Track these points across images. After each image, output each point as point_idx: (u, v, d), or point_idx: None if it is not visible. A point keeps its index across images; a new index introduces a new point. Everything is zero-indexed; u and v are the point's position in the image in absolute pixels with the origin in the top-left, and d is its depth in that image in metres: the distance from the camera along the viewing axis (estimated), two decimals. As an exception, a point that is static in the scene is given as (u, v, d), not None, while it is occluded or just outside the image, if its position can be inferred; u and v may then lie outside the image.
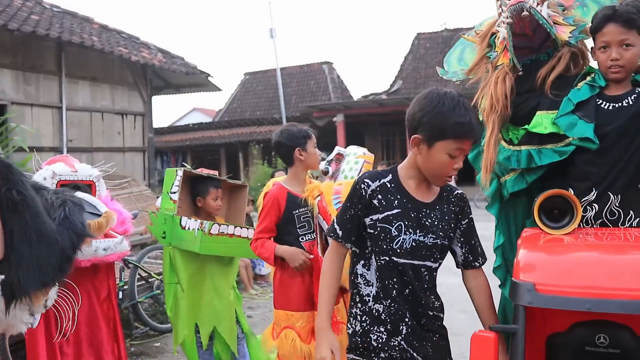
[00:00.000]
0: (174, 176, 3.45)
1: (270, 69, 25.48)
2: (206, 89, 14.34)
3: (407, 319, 1.87)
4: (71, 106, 10.85)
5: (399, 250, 1.84)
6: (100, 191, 3.36)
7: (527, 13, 2.15)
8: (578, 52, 2.27)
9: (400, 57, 29.10)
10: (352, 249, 1.94)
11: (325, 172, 3.11)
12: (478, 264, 1.97)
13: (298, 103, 23.85)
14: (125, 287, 4.96)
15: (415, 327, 1.88)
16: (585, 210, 2.23)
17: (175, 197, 3.44)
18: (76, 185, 3.20)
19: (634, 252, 1.62)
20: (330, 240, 1.98)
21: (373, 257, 1.88)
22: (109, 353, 3.26)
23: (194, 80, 13.73)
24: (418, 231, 1.85)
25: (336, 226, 1.91)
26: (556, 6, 2.28)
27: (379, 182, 1.89)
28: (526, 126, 2.23)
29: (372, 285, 1.90)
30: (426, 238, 1.85)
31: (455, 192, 1.99)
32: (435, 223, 1.88)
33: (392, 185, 1.90)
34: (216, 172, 3.72)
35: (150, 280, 5.36)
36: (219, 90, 14.36)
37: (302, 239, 2.91)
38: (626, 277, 1.53)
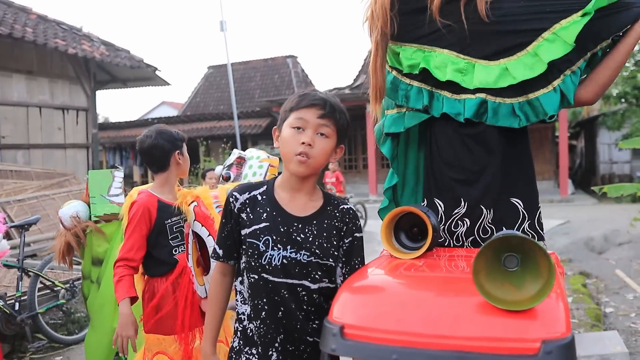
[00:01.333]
0: (110, 178, 3.29)
1: (235, 62, 25.07)
2: (154, 83, 13.87)
3: (277, 344, 1.67)
4: (4, 101, 10.32)
5: (267, 267, 1.66)
6: None
7: None
8: None
9: (364, 51, 28.94)
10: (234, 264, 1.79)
11: (227, 178, 2.84)
12: None
13: (262, 97, 23.50)
14: (24, 297, 4.59)
15: (287, 354, 1.67)
16: (456, 226, 2.00)
17: (121, 199, 3.23)
18: None
19: (466, 285, 1.34)
20: (213, 263, 1.81)
21: (245, 273, 1.72)
22: None
23: (141, 74, 13.25)
24: (289, 247, 1.66)
25: (216, 247, 1.78)
26: None
27: (249, 194, 1.73)
28: (423, 63, 1.92)
29: (247, 304, 1.73)
30: (298, 255, 1.66)
31: (341, 206, 1.77)
32: (310, 239, 1.67)
33: (264, 197, 1.73)
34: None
35: (55, 289, 5.00)
36: (168, 84, 13.90)
37: (176, 250, 2.63)
38: (444, 320, 1.26)
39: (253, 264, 1.68)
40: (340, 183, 10.88)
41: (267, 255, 1.66)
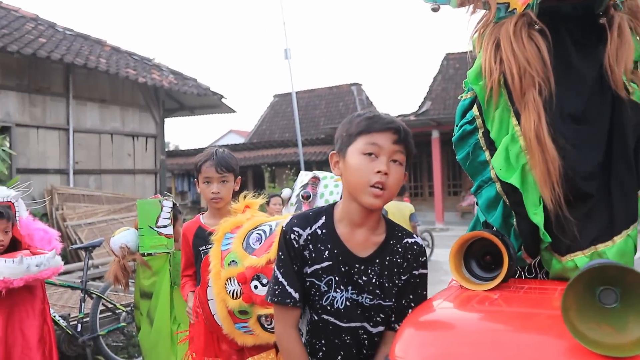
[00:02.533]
0: (159, 209, 3.19)
1: (299, 90, 25.42)
2: (220, 111, 14.16)
3: None
4: (79, 128, 10.75)
5: (329, 308, 1.53)
6: (20, 212, 3.18)
7: None
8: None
9: (429, 78, 28.66)
10: None
11: (307, 197, 2.83)
12: (397, 327, 1.55)
13: (326, 124, 23.59)
14: (86, 319, 4.62)
15: None
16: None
17: (169, 230, 3.19)
18: None
19: (552, 324, 1.13)
20: (276, 308, 1.58)
21: (307, 309, 1.59)
22: None
23: (208, 102, 13.55)
24: (350, 288, 1.53)
25: (290, 289, 1.53)
26: None
27: (310, 229, 1.57)
28: None
29: (302, 336, 1.60)
30: (360, 297, 1.53)
31: (405, 240, 1.60)
32: (373, 281, 1.54)
33: (324, 231, 1.57)
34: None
35: (117, 312, 5.02)
36: (233, 112, 14.14)
37: None
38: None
39: (314, 304, 1.55)
40: None
41: (329, 297, 1.53)
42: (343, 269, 1.53)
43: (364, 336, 1.55)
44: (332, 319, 1.53)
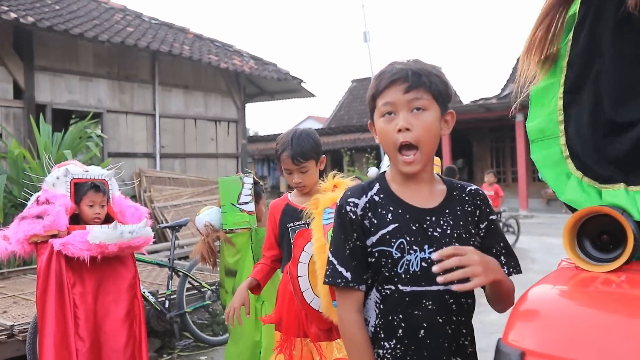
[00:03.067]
0: (240, 185, 3.19)
1: (377, 75, 25.14)
2: (299, 95, 14.22)
3: None
4: (164, 113, 11.11)
5: (404, 276, 1.37)
6: (113, 190, 3.31)
7: None
8: None
9: (513, 59, 27.52)
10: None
11: None
12: None
13: (404, 109, 23.24)
14: (173, 296, 4.75)
15: None
16: None
17: (251, 207, 3.19)
18: (94, 184, 3.15)
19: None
20: (336, 292, 1.48)
21: (374, 288, 1.43)
22: (122, 347, 3.09)
23: (287, 87, 13.64)
24: (426, 247, 1.37)
25: (340, 269, 1.42)
26: None
27: (366, 197, 1.45)
28: None
29: (368, 324, 1.44)
30: None
31: (468, 188, 1.49)
32: (448, 232, 1.40)
33: (381, 196, 1.45)
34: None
35: (202, 290, 5.13)
36: (313, 96, 14.14)
37: None
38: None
39: (387, 274, 1.39)
40: (499, 198, 10.09)
41: (403, 262, 1.37)
42: (414, 227, 1.39)
43: (450, 300, 1.39)
44: (408, 288, 1.37)
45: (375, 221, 1.41)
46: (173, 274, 4.79)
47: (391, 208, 1.42)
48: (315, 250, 1.97)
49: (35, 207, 3.00)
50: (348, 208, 1.43)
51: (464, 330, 1.42)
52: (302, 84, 13.37)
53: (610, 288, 1.20)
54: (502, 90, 21.47)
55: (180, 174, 10.83)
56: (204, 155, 11.97)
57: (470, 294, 1.43)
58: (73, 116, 11.88)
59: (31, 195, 3.22)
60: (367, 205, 1.43)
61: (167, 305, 4.65)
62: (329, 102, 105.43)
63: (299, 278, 2.15)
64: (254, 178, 3.29)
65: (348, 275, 1.40)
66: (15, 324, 3.89)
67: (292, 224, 2.44)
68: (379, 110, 1.41)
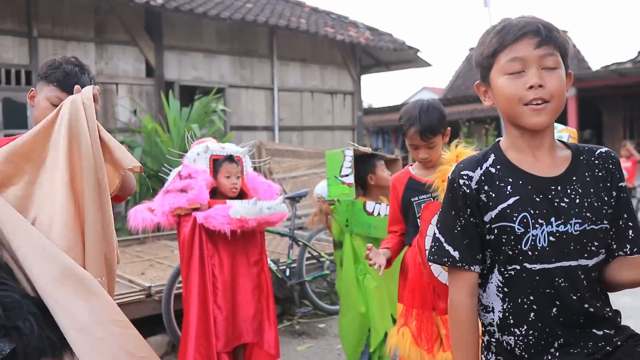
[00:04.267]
0: (342, 158, 3.23)
1: (496, 41, 24.03)
2: (416, 65, 13.87)
3: (553, 350, 1.29)
4: (282, 87, 11.36)
5: (531, 253, 1.28)
6: (246, 167, 3.46)
7: None
8: None
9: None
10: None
11: None
12: (622, 254, 1.33)
13: (527, 77, 22.01)
14: (294, 264, 4.90)
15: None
16: None
17: (350, 179, 3.23)
18: (231, 157, 3.30)
19: None
20: (448, 271, 1.43)
21: (495, 271, 1.34)
22: (251, 317, 3.25)
23: (403, 57, 13.36)
24: (553, 220, 1.27)
25: (447, 247, 1.36)
26: None
27: (481, 169, 1.36)
28: None
29: (494, 311, 1.36)
30: (568, 226, 1.27)
31: (598, 151, 1.37)
32: (577, 202, 1.29)
33: (499, 167, 1.35)
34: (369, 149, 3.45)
35: (321, 260, 5.25)
36: (429, 65, 13.74)
37: None
38: None
39: (510, 253, 1.29)
40: (636, 171, 9.30)
41: (528, 238, 1.27)
42: (537, 199, 1.28)
43: (582, 275, 1.28)
44: (537, 266, 1.28)
45: (493, 195, 1.32)
46: (294, 243, 4.93)
47: (510, 179, 1.32)
48: None
49: (178, 182, 3.18)
50: (461, 182, 1.35)
51: (599, 304, 1.31)
52: (419, 54, 13.05)
53: None
54: (639, 53, 19.60)
55: (298, 147, 11.07)
56: (320, 128, 12.13)
57: (600, 268, 1.32)
58: (197, 92, 12.49)
59: (166, 168, 3.43)
60: (483, 177, 1.34)
61: (287, 274, 4.81)
62: (445, 72, 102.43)
63: (427, 251, 2.11)
64: (356, 149, 3.27)
65: (456, 254, 1.34)
66: (152, 285, 4.20)
67: (416, 198, 2.40)
68: (502, 68, 1.30)
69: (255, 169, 3.63)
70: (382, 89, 67.65)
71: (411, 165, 2.57)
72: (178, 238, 3.24)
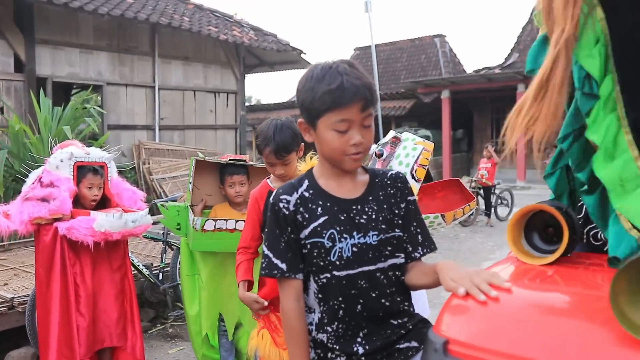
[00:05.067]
0: (192, 165, 3.32)
1: (381, 43, 24.97)
2: (299, 66, 14.16)
3: (359, 339, 1.55)
4: (164, 85, 11.16)
5: (339, 263, 1.51)
6: (111, 172, 3.42)
7: None
8: None
9: (517, 28, 27.18)
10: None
11: (379, 155, 2.84)
12: (418, 255, 1.60)
13: (407, 78, 23.09)
14: (167, 268, 4.92)
15: (373, 344, 1.55)
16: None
17: (190, 187, 3.34)
18: (93, 168, 3.25)
19: (604, 307, 1.09)
20: (278, 283, 1.60)
21: (311, 278, 1.56)
22: (114, 322, 3.27)
23: (287, 58, 13.60)
24: (355, 233, 1.52)
25: (276, 261, 1.54)
26: None
27: (297, 193, 1.57)
28: None
29: (315, 312, 1.59)
30: (367, 238, 1.53)
31: (389, 173, 1.64)
32: (374, 217, 1.55)
33: (311, 192, 1.57)
34: (246, 157, 3.49)
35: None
36: (312, 67, 14.08)
37: None
38: (570, 350, 1.03)
39: (321, 264, 1.52)
40: (495, 172, 10.24)
41: (335, 250, 1.51)
42: (342, 217, 1.52)
43: (381, 276, 1.54)
44: (343, 273, 1.51)
45: (307, 215, 1.53)
46: (167, 247, 4.94)
47: (320, 202, 1.54)
48: None
49: (39, 190, 3.06)
50: (281, 205, 1.54)
51: (398, 298, 1.58)
52: (302, 55, 13.34)
53: (535, 283, 1.32)
54: (506, 59, 21.30)
55: (179, 146, 10.94)
56: (203, 127, 12.05)
57: (399, 269, 1.58)
58: (75, 87, 11.92)
59: (24, 169, 3.31)
60: (298, 201, 1.55)
61: (160, 278, 4.83)
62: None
63: None
64: (231, 160, 3.37)
65: (283, 266, 1.53)
66: (15, 296, 4.04)
67: None
68: (331, 124, 1.45)
69: (134, 168, 3.63)
70: (271, 86, 67.85)
71: (269, 178, 2.71)
72: (36, 246, 3.16)
